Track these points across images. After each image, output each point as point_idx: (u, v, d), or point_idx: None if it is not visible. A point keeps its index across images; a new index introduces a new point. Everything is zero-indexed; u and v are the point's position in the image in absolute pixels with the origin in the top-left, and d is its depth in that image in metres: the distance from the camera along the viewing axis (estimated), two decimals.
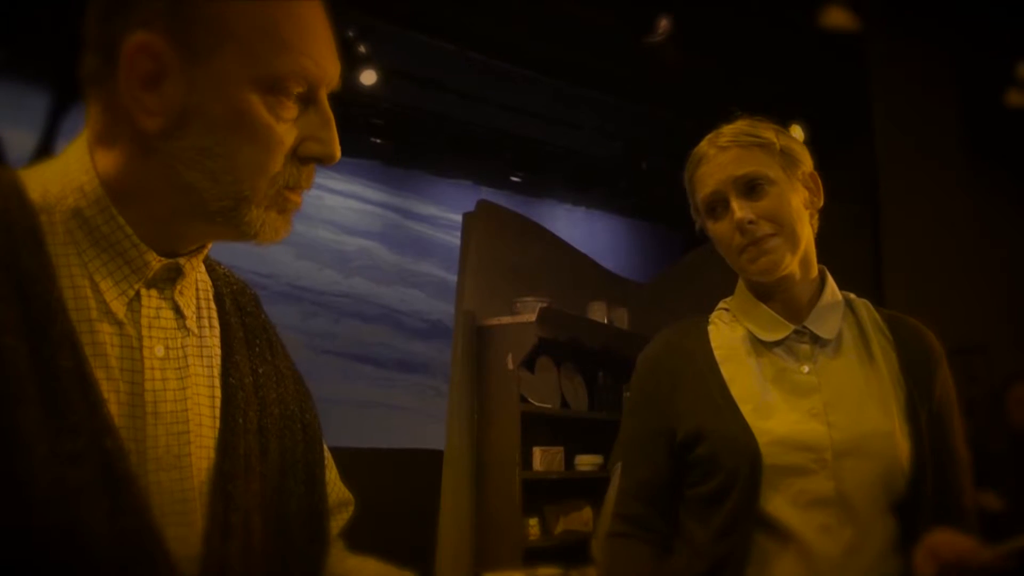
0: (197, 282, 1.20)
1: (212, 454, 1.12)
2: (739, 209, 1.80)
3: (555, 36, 6.46)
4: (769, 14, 6.00)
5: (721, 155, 1.85)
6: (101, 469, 0.98)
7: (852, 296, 1.95)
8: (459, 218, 6.02)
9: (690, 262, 7.31)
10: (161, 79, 1.04)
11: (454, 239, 6.44)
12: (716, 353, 1.89)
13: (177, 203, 1.08)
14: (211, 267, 1.26)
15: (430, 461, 5.67)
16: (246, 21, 1.05)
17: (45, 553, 0.93)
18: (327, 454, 1.34)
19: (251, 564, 1.11)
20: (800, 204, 1.84)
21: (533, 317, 5.35)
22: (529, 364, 5.64)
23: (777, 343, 1.86)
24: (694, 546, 1.84)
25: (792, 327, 1.86)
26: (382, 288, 7.99)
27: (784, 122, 1.93)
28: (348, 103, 6.62)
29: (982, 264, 6.10)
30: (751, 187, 1.82)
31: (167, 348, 1.11)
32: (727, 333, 1.92)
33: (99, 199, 1.07)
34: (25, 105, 5.72)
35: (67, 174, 1.08)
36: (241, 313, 1.27)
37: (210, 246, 1.19)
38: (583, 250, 6.90)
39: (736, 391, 1.83)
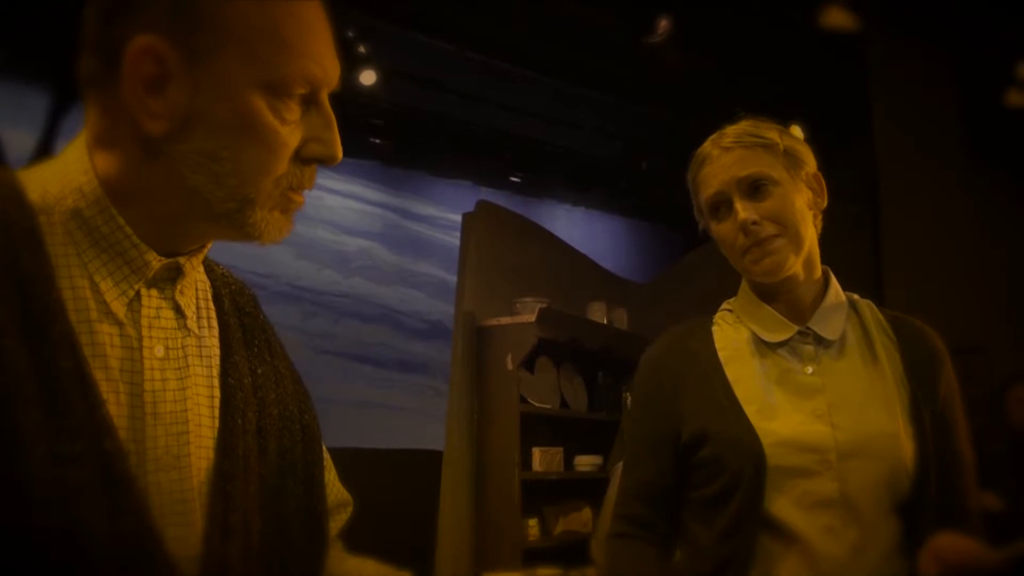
0: (196, 282, 1.20)
1: (211, 454, 1.12)
2: (743, 210, 1.80)
3: (555, 36, 6.46)
4: (769, 14, 6.00)
5: (725, 156, 1.84)
6: (100, 470, 0.98)
7: (856, 297, 1.95)
8: (459, 218, 6.02)
9: (690, 263, 7.31)
10: (165, 83, 1.04)
11: (454, 239, 6.44)
12: (720, 354, 1.89)
13: (181, 205, 1.08)
14: (209, 267, 1.26)
15: (429, 461, 5.67)
16: (250, 23, 1.05)
17: (45, 554, 0.93)
18: (326, 455, 1.34)
19: (250, 565, 1.11)
20: (804, 205, 1.84)
21: (533, 317, 5.35)
22: (529, 364, 5.64)
23: (781, 344, 1.86)
24: (698, 548, 1.84)
25: (796, 328, 1.86)
26: (382, 288, 7.99)
27: (784, 122, 1.93)
28: (348, 103, 6.61)
29: (982, 264, 6.10)
30: (755, 188, 1.81)
31: (167, 348, 1.11)
32: (731, 334, 1.92)
33: (98, 199, 1.06)
34: (25, 105, 5.72)
35: (66, 175, 1.08)
36: (240, 313, 1.27)
37: (210, 246, 1.19)
38: (583, 250, 6.90)
39: (740, 392, 1.82)
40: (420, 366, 8.04)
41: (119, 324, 1.07)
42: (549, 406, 5.78)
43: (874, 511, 1.74)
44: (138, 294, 1.09)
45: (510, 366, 5.34)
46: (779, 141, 1.84)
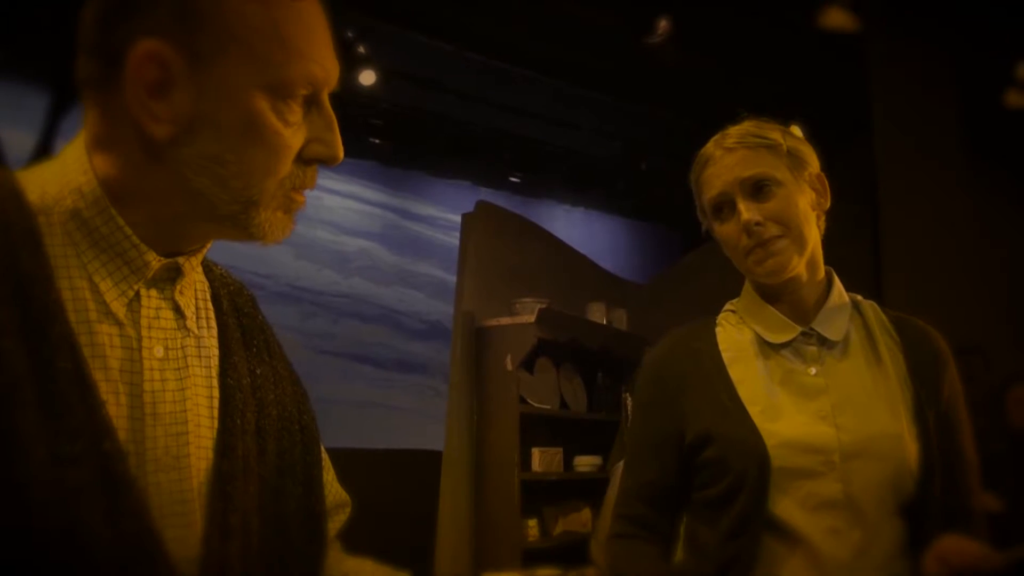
0: (195, 282, 1.20)
1: (210, 455, 1.12)
2: (746, 211, 1.80)
3: (555, 36, 6.46)
4: (769, 14, 6.00)
5: (728, 156, 1.84)
6: (100, 471, 0.98)
7: (859, 298, 1.95)
8: (458, 218, 6.02)
9: (689, 263, 7.31)
10: (169, 87, 1.04)
11: (453, 240, 6.44)
12: (724, 355, 1.89)
13: (183, 207, 1.09)
14: (208, 267, 1.26)
15: (429, 462, 5.67)
16: (252, 26, 1.05)
17: (45, 555, 0.93)
18: (324, 455, 1.34)
19: (250, 565, 1.11)
20: (807, 205, 1.84)
21: (532, 318, 5.35)
22: (528, 365, 5.64)
23: (784, 345, 1.86)
24: (701, 549, 1.83)
25: (799, 329, 1.86)
26: (381, 288, 8.00)
27: (784, 122, 1.92)
28: (347, 104, 6.61)
29: (982, 264, 6.09)
30: (758, 188, 1.81)
31: (166, 349, 1.11)
32: (734, 335, 1.91)
33: (98, 200, 1.06)
34: (24, 105, 5.72)
35: (65, 175, 1.08)
36: (238, 314, 1.27)
37: (209, 246, 1.18)
38: (582, 251, 6.90)
39: (744, 393, 1.82)
40: (419, 366, 8.04)
41: (119, 324, 1.06)
42: (548, 406, 5.78)
43: (878, 512, 1.74)
44: (137, 294, 1.09)
45: (510, 366, 5.34)
46: (782, 142, 1.84)
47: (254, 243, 1.13)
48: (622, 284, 7.24)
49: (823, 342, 1.85)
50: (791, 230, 1.80)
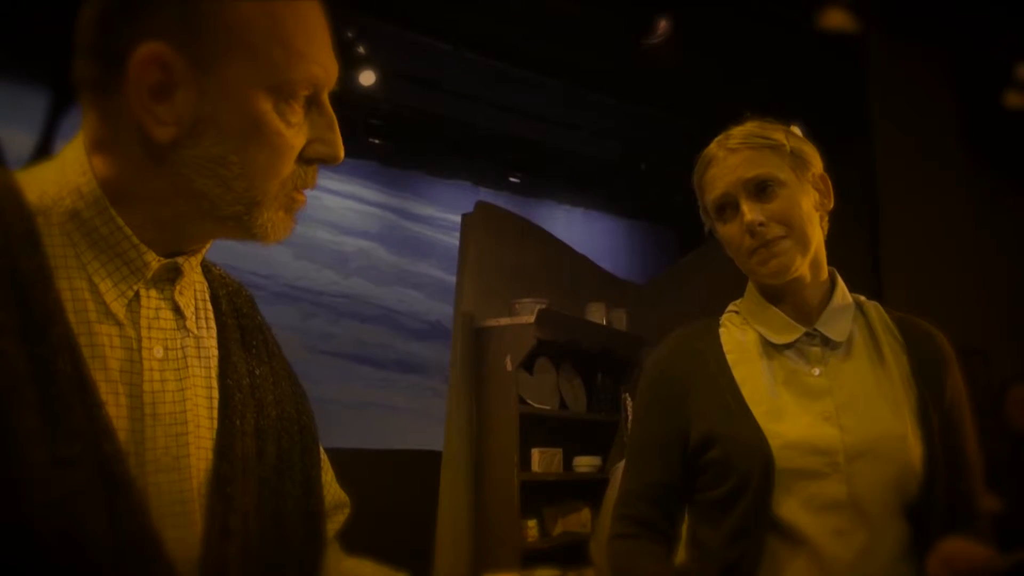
0: (195, 283, 1.20)
1: (210, 456, 1.12)
2: (749, 211, 1.80)
3: (554, 37, 6.46)
4: (768, 15, 6.00)
5: (731, 157, 1.84)
6: (100, 472, 0.98)
7: (862, 298, 1.95)
8: (458, 219, 6.01)
9: (688, 263, 7.31)
10: (172, 89, 1.04)
11: (453, 240, 6.44)
12: (728, 356, 1.88)
13: (185, 207, 1.09)
14: (207, 268, 1.26)
15: (428, 462, 5.66)
16: (253, 27, 1.06)
17: (44, 556, 0.93)
18: (323, 455, 1.34)
19: (249, 566, 1.11)
20: (810, 206, 1.83)
21: (532, 318, 5.34)
22: (528, 365, 5.63)
23: (788, 346, 1.86)
24: (705, 550, 1.83)
25: (803, 330, 1.86)
26: (380, 289, 8.00)
27: (783, 122, 1.92)
28: (347, 104, 6.61)
29: (981, 265, 6.10)
30: (761, 189, 1.81)
31: (166, 349, 1.11)
32: (738, 336, 1.91)
33: (97, 200, 1.06)
34: (24, 105, 5.71)
35: (64, 176, 1.08)
36: (237, 314, 1.27)
37: (208, 246, 1.19)
38: (582, 251, 6.89)
39: (748, 394, 1.82)
40: (419, 367, 8.04)
41: (119, 325, 1.06)
42: (548, 407, 5.77)
43: (882, 513, 1.74)
44: (137, 295, 1.09)
45: (509, 367, 5.33)
46: (785, 142, 1.84)
47: (254, 243, 1.14)
48: (622, 284, 7.23)
49: (827, 343, 1.85)
50: (794, 231, 1.80)
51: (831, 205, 1.89)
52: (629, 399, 6.19)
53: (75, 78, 1.08)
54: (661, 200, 8.99)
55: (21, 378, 0.95)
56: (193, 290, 1.19)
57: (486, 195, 7.95)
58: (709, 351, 1.90)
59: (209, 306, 1.22)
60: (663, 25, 6.04)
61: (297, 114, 1.10)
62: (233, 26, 1.05)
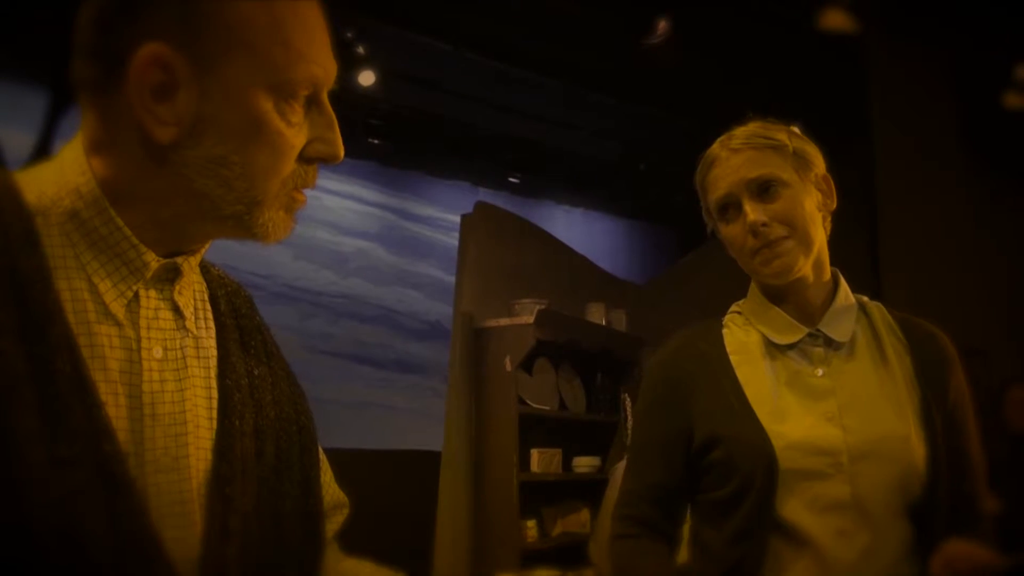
0: (194, 283, 1.20)
1: (209, 456, 1.12)
2: (752, 211, 1.79)
3: (554, 37, 6.46)
4: (768, 15, 6.00)
5: (734, 157, 1.84)
6: (99, 472, 0.98)
7: (865, 299, 1.94)
8: (457, 219, 6.02)
9: (688, 264, 7.31)
10: (173, 90, 1.04)
11: (452, 240, 6.44)
12: (731, 357, 1.88)
13: (186, 207, 1.09)
14: (205, 268, 1.26)
15: (427, 462, 5.66)
16: (254, 27, 1.06)
17: (44, 557, 0.93)
18: (322, 456, 1.34)
19: (248, 566, 1.11)
20: (813, 206, 1.83)
21: (531, 319, 5.34)
22: (527, 366, 5.63)
23: (791, 346, 1.85)
24: (707, 551, 1.83)
25: (806, 330, 1.85)
26: (380, 289, 8.00)
27: (783, 122, 1.92)
28: (346, 104, 6.61)
29: (981, 265, 6.10)
30: (764, 189, 1.81)
31: (165, 349, 1.11)
32: (741, 336, 1.91)
33: (96, 200, 1.06)
34: (23, 105, 5.71)
35: (63, 176, 1.08)
36: (236, 315, 1.27)
37: (207, 247, 1.18)
38: (581, 251, 6.90)
39: (751, 395, 1.82)
40: (418, 367, 8.05)
41: (118, 325, 1.06)
42: (547, 407, 5.77)
43: (885, 514, 1.74)
44: (136, 295, 1.09)
45: (508, 367, 5.33)
46: (788, 143, 1.84)
47: (253, 243, 1.14)
48: (621, 285, 7.23)
49: (830, 343, 1.85)
50: (797, 231, 1.80)
51: (834, 205, 1.89)
52: (628, 399, 6.19)
53: (74, 79, 1.08)
54: (661, 200, 8.99)
55: (20, 378, 0.95)
56: (192, 290, 1.19)
57: (485, 195, 7.96)
58: (712, 352, 1.90)
59: (208, 306, 1.22)
60: (663, 25, 6.04)
61: (297, 113, 1.10)
62: (233, 26, 1.05)
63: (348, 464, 1.69)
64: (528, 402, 5.53)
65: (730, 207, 1.85)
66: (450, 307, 5.89)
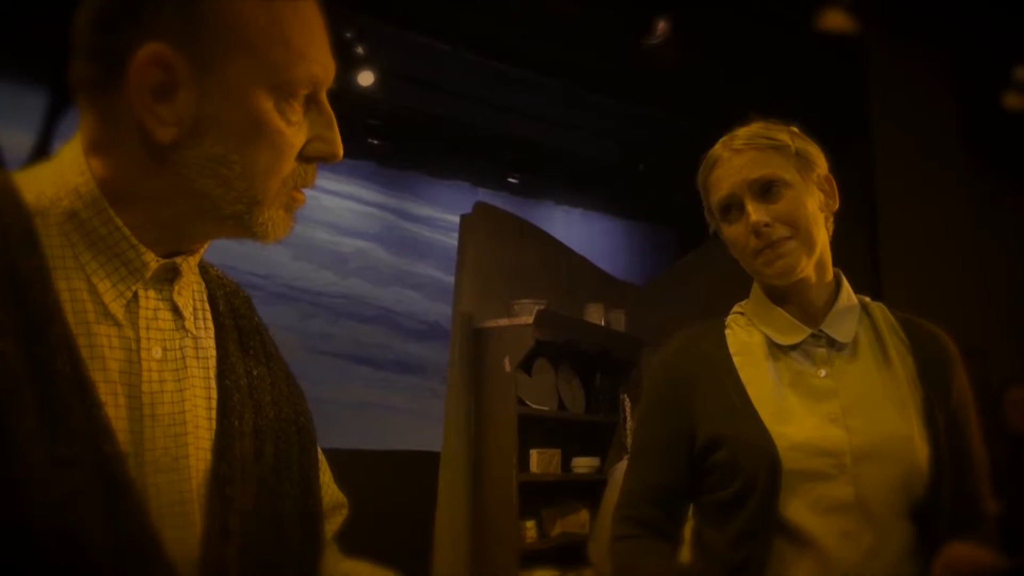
0: (193, 283, 1.20)
1: (209, 456, 1.12)
2: (754, 212, 1.79)
3: (554, 37, 6.46)
4: (768, 15, 6.00)
5: (736, 158, 1.84)
6: (98, 473, 0.98)
7: (867, 299, 1.94)
8: (456, 219, 6.01)
9: (687, 264, 7.32)
10: (173, 90, 1.04)
11: (451, 240, 6.43)
12: (734, 358, 1.88)
13: (186, 207, 1.09)
14: (204, 269, 1.26)
15: (426, 463, 5.66)
16: (254, 27, 1.06)
17: (44, 557, 0.93)
18: (321, 456, 1.34)
19: (248, 566, 1.11)
20: (815, 207, 1.83)
21: (530, 319, 5.34)
22: (526, 366, 5.63)
23: (794, 347, 1.85)
24: (711, 552, 1.83)
25: (808, 331, 1.85)
26: (379, 289, 8.00)
27: (784, 122, 1.92)
28: (345, 104, 6.61)
29: (981, 265, 6.10)
30: (766, 190, 1.80)
31: (164, 350, 1.11)
32: (743, 337, 1.91)
33: (95, 201, 1.06)
34: (22, 106, 5.71)
35: (62, 176, 1.08)
36: (234, 315, 1.27)
37: (206, 247, 1.18)
38: (580, 252, 6.89)
39: (754, 395, 1.82)
40: (417, 367, 8.04)
41: (117, 325, 1.06)
42: (546, 408, 5.77)
43: (889, 515, 1.74)
44: (136, 295, 1.09)
45: (508, 368, 5.33)
46: (790, 143, 1.84)
47: (252, 243, 1.14)
48: (620, 285, 7.23)
49: (832, 344, 1.85)
50: (800, 231, 1.80)
51: (836, 206, 1.89)
52: (627, 400, 6.19)
53: (72, 79, 1.08)
54: (660, 201, 9.00)
55: (20, 378, 0.95)
56: (191, 290, 1.19)
57: (485, 195, 7.95)
58: (715, 352, 1.90)
59: (207, 307, 1.22)
60: (662, 26, 6.04)
61: (297, 113, 1.10)
62: (233, 26, 1.05)
63: (347, 464, 1.69)
64: (527, 402, 5.53)
65: (732, 208, 1.84)
66: (449, 307, 5.89)
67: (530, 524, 5.57)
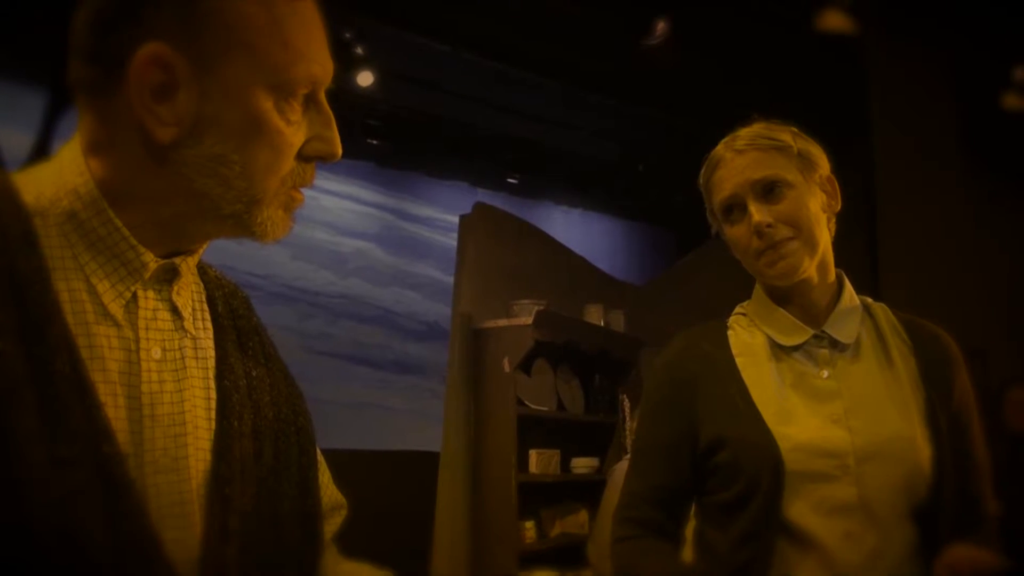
0: (192, 283, 1.20)
1: (208, 457, 1.12)
2: (757, 212, 1.79)
3: (553, 37, 6.46)
4: (768, 15, 6.00)
5: (738, 158, 1.84)
6: (98, 473, 0.98)
7: (869, 300, 1.94)
8: (455, 220, 6.01)
9: (687, 265, 7.32)
10: (173, 90, 1.04)
11: (450, 241, 6.43)
12: (737, 359, 1.88)
13: (186, 207, 1.09)
14: (202, 269, 1.26)
15: (426, 463, 5.66)
16: (254, 26, 1.06)
17: (43, 558, 0.93)
18: (320, 457, 1.34)
19: (248, 567, 1.11)
20: (818, 207, 1.83)
21: (529, 320, 5.34)
22: (525, 367, 5.63)
23: (796, 348, 1.85)
24: (712, 553, 1.83)
25: (811, 332, 1.85)
26: (378, 289, 8.00)
27: (784, 123, 1.92)
28: (345, 104, 6.61)
29: (981, 265, 6.10)
30: (769, 190, 1.80)
31: (164, 350, 1.11)
32: (746, 338, 1.91)
33: (94, 201, 1.06)
34: (21, 106, 5.71)
35: (61, 176, 1.08)
36: (233, 316, 1.27)
37: (205, 247, 1.19)
38: (580, 252, 6.90)
39: (756, 396, 1.81)
40: (417, 367, 8.04)
41: (117, 326, 1.06)
42: (546, 408, 5.77)
43: (891, 515, 1.74)
44: (135, 295, 1.09)
45: (507, 368, 5.33)
46: (793, 144, 1.83)
47: (251, 242, 1.14)
48: (620, 286, 7.23)
49: (835, 345, 1.85)
50: (802, 232, 1.79)
51: (838, 207, 1.89)
52: (627, 400, 6.19)
53: (71, 80, 1.08)
54: (660, 201, 9.00)
55: (20, 379, 0.95)
56: (190, 291, 1.19)
57: (484, 196, 7.95)
58: (718, 353, 1.89)
59: (205, 307, 1.23)
60: (662, 26, 6.04)
61: (296, 112, 1.10)
62: (233, 26, 1.05)
63: (346, 465, 1.69)
64: (526, 403, 5.53)
65: (735, 208, 1.84)
66: (448, 308, 5.89)
67: (529, 524, 5.57)
